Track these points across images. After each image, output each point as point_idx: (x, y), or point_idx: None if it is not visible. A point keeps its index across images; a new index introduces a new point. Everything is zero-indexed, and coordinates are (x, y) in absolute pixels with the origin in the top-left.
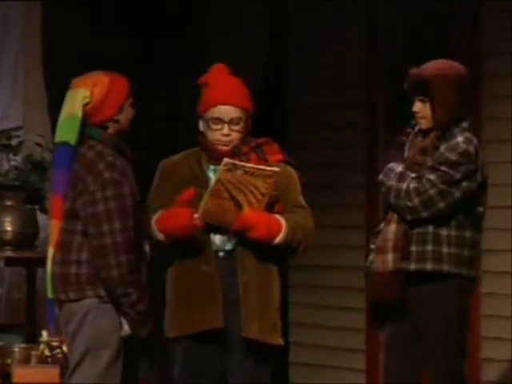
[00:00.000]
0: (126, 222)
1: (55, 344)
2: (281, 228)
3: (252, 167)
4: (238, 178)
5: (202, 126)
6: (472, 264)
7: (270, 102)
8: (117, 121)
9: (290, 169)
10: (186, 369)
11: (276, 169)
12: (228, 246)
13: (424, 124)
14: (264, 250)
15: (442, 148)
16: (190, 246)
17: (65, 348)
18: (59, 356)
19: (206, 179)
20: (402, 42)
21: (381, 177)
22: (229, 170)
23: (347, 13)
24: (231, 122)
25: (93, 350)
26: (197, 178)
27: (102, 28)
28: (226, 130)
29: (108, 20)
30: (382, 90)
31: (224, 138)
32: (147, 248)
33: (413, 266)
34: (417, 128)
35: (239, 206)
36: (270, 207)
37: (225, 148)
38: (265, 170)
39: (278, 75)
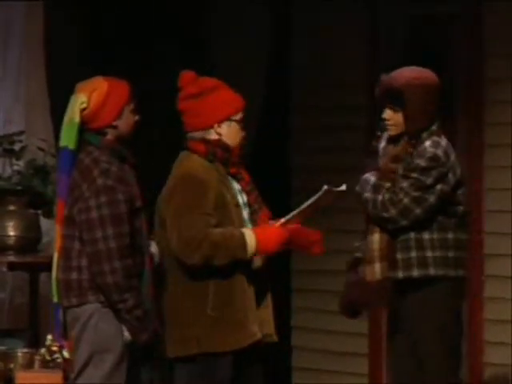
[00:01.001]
0: (120, 228)
1: (54, 349)
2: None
3: (340, 190)
4: (327, 202)
5: (224, 130)
6: (458, 264)
7: (272, 104)
8: (115, 127)
9: None
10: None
11: (344, 188)
12: (260, 261)
13: (393, 131)
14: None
15: (414, 154)
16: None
17: (65, 353)
18: (59, 361)
19: (235, 192)
20: (402, 43)
21: (357, 188)
22: (327, 195)
23: (348, 13)
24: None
25: (97, 354)
26: (229, 191)
27: (102, 30)
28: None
29: (108, 21)
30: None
31: (244, 138)
32: (156, 253)
33: (400, 274)
34: (385, 135)
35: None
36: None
37: (241, 149)
38: (338, 192)
39: (280, 76)
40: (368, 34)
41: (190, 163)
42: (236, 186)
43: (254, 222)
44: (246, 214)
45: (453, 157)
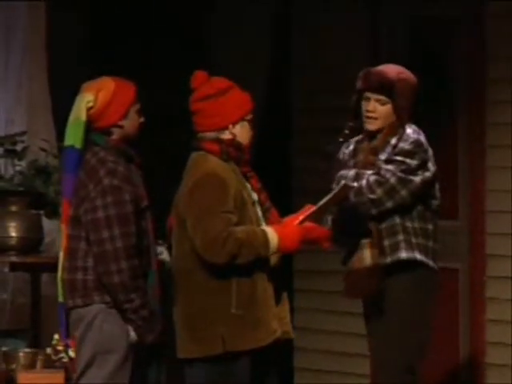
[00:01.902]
0: (127, 228)
1: (60, 348)
2: None
3: (351, 186)
4: (341, 198)
5: (238, 130)
6: (435, 256)
7: (272, 104)
8: (121, 126)
9: None
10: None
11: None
12: (276, 258)
13: (374, 125)
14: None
15: (393, 141)
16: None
17: (71, 352)
18: (64, 360)
19: (249, 192)
20: (403, 44)
21: (333, 185)
22: (343, 191)
23: (348, 14)
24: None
25: (100, 354)
26: (245, 189)
27: (102, 30)
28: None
29: (108, 22)
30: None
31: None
32: (167, 259)
33: (388, 259)
34: (354, 140)
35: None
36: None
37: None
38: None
39: (281, 77)
40: (369, 34)
41: (209, 163)
42: (248, 184)
43: (266, 220)
44: (259, 212)
45: (430, 149)
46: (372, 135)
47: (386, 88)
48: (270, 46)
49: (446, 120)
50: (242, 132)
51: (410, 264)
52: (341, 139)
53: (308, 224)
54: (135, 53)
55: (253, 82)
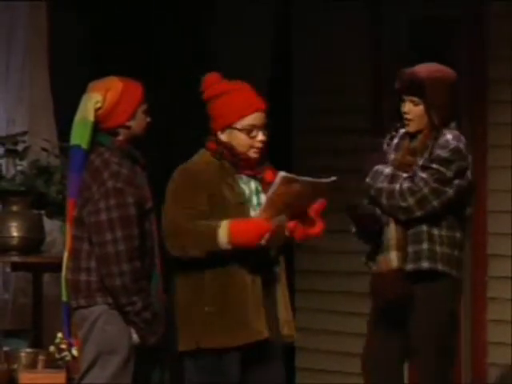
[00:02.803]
0: (129, 231)
1: (63, 346)
2: None
3: (308, 180)
4: (296, 190)
5: (226, 137)
6: (460, 265)
7: (273, 105)
8: (128, 127)
9: None
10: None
11: (330, 179)
12: (272, 253)
13: (411, 127)
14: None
15: (432, 146)
16: (246, 253)
17: (74, 351)
18: (67, 359)
19: (241, 191)
20: (404, 44)
21: (368, 179)
22: (285, 184)
23: (349, 14)
24: (263, 127)
25: (103, 355)
26: (232, 189)
27: (103, 30)
28: (261, 136)
29: (109, 22)
30: (386, 95)
31: (260, 145)
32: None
33: (410, 266)
34: (401, 131)
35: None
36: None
37: (256, 155)
38: (321, 183)
39: (282, 79)
40: (369, 34)
41: (195, 159)
42: (252, 186)
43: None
44: (254, 213)
45: (470, 156)
46: (413, 135)
47: (416, 88)
48: (272, 48)
49: None
50: (230, 139)
51: (432, 273)
52: (386, 139)
53: (275, 219)
54: (135, 53)
55: (253, 83)
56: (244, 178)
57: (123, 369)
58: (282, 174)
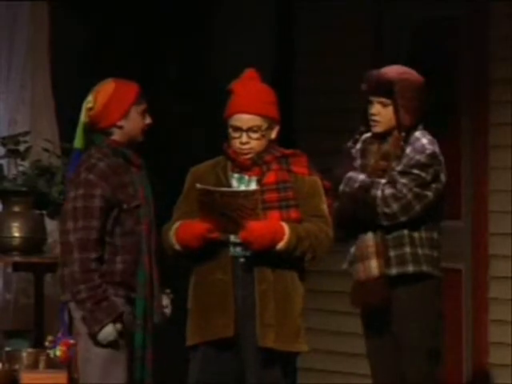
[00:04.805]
0: (89, 222)
1: (47, 344)
2: (283, 236)
3: (226, 191)
4: (220, 200)
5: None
6: (439, 265)
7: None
8: (120, 127)
9: (314, 178)
10: (203, 372)
11: (251, 188)
12: (248, 253)
13: (378, 128)
14: (283, 257)
15: (408, 151)
16: (208, 253)
17: (58, 351)
18: (51, 357)
19: (230, 187)
20: (406, 45)
21: (342, 187)
22: (205, 195)
23: (351, 15)
24: (249, 130)
25: (90, 348)
26: (221, 185)
27: (105, 30)
28: (244, 138)
29: (111, 21)
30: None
31: (242, 147)
32: (169, 308)
33: (394, 271)
34: (364, 136)
35: (234, 222)
36: (286, 214)
37: (245, 157)
38: (240, 192)
39: (284, 79)
40: (371, 35)
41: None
42: (244, 184)
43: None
44: None
45: (443, 158)
46: (381, 137)
47: (385, 89)
48: (275, 50)
49: (448, 120)
50: (230, 137)
51: (417, 276)
52: (350, 144)
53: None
54: (137, 53)
55: None
56: (236, 175)
57: (111, 362)
58: (197, 185)
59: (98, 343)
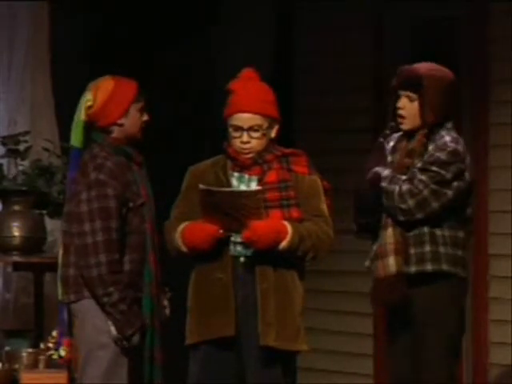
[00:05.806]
0: (108, 223)
1: (50, 345)
2: (286, 235)
3: (230, 191)
4: (224, 200)
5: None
6: (465, 265)
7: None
8: (121, 125)
9: (314, 178)
10: (204, 371)
11: (254, 188)
12: (249, 253)
13: (405, 124)
14: (283, 256)
15: (431, 148)
16: (208, 252)
17: (62, 351)
18: (54, 357)
19: (230, 186)
20: (406, 44)
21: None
22: (208, 195)
23: (351, 15)
24: (250, 129)
25: (93, 350)
26: (221, 185)
27: (105, 29)
28: (244, 137)
29: (111, 21)
30: (389, 95)
31: (243, 146)
32: (167, 309)
33: (413, 269)
34: (396, 135)
35: (238, 221)
36: (288, 213)
37: (246, 156)
38: (244, 192)
39: (284, 79)
40: (371, 35)
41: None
42: (244, 184)
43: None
44: None
45: (468, 157)
46: (410, 134)
47: (413, 83)
48: (275, 49)
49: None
50: (230, 136)
51: (437, 275)
52: (381, 139)
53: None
54: (137, 52)
55: None
56: (236, 174)
57: (115, 364)
58: (200, 186)
59: (102, 346)
